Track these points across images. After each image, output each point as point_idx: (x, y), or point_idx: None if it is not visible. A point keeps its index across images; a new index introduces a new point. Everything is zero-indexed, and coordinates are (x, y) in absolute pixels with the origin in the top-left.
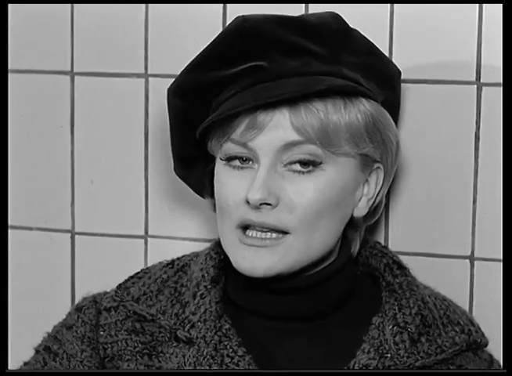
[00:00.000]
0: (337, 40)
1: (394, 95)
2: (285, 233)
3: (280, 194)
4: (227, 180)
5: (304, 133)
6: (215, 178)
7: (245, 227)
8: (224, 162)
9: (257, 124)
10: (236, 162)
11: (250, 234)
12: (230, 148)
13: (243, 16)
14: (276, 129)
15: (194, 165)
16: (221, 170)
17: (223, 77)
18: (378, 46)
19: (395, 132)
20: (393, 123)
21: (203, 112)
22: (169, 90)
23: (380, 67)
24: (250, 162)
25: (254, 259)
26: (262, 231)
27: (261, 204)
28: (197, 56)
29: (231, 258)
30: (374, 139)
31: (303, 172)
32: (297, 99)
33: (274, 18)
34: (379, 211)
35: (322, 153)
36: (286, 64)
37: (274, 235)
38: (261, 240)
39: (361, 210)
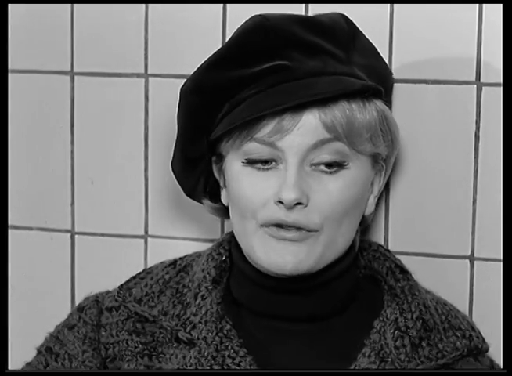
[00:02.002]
0: (348, 41)
1: (388, 98)
2: (316, 230)
3: (310, 193)
4: (250, 181)
5: (333, 130)
6: (231, 178)
7: (276, 226)
8: (243, 163)
9: (287, 124)
10: (259, 165)
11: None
12: (253, 148)
13: (261, 14)
14: (306, 128)
15: (197, 166)
16: (239, 170)
17: (246, 75)
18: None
19: (399, 132)
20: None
21: (217, 111)
22: (186, 89)
23: (380, 69)
24: (273, 163)
25: (286, 254)
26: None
27: (295, 204)
28: (216, 54)
29: (258, 256)
30: (386, 138)
31: (329, 172)
32: (327, 99)
33: (293, 17)
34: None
35: (349, 150)
36: (307, 64)
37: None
38: (291, 232)
39: (370, 208)
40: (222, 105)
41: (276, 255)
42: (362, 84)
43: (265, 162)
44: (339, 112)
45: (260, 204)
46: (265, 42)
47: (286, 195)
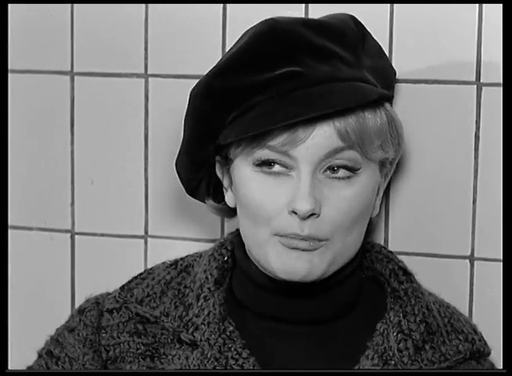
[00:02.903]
0: (357, 43)
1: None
2: (327, 239)
3: (322, 201)
4: (261, 187)
5: (347, 139)
6: (239, 183)
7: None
8: (254, 169)
9: (301, 133)
10: (266, 168)
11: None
12: (265, 154)
13: (272, 18)
14: (320, 137)
15: (201, 168)
16: (250, 176)
17: (258, 81)
18: None
19: (403, 131)
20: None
21: (226, 116)
22: (196, 93)
23: (385, 68)
24: (285, 168)
25: (298, 262)
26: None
27: (309, 215)
28: (227, 58)
29: (270, 263)
30: (394, 142)
31: (342, 178)
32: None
33: (302, 21)
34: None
35: (361, 158)
36: (319, 69)
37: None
38: (304, 241)
39: (376, 210)
40: (232, 110)
41: (290, 263)
42: (378, 94)
43: (273, 163)
44: (352, 121)
45: (273, 213)
46: (276, 48)
47: (300, 206)
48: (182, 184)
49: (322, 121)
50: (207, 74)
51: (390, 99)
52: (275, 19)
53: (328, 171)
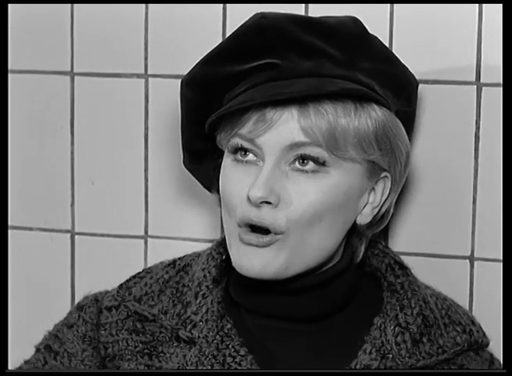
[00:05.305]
0: (354, 44)
1: (409, 105)
2: (282, 232)
3: (282, 193)
4: (233, 176)
5: (311, 135)
6: (221, 172)
7: (247, 226)
8: (231, 157)
9: (266, 120)
10: (243, 155)
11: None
12: (236, 142)
13: (261, 12)
14: (283, 128)
15: (203, 159)
16: (227, 165)
17: (236, 72)
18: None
19: (406, 143)
20: (405, 133)
21: (215, 106)
22: (182, 81)
23: (396, 76)
24: (256, 157)
25: (252, 258)
26: (261, 233)
27: (261, 203)
28: (213, 50)
29: (231, 255)
30: (383, 146)
31: (307, 172)
32: (307, 100)
33: (292, 17)
34: (385, 221)
35: (328, 156)
36: (300, 64)
37: (271, 236)
38: (259, 236)
39: (364, 217)
40: (219, 99)
41: (245, 258)
42: (339, 88)
43: (246, 151)
44: (319, 116)
45: (238, 201)
46: (258, 41)
47: (252, 192)
48: (197, 179)
49: (288, 113)
50: (195, 64)
51: (372, 99)
52: (264, 13)
53: (296, 164)
